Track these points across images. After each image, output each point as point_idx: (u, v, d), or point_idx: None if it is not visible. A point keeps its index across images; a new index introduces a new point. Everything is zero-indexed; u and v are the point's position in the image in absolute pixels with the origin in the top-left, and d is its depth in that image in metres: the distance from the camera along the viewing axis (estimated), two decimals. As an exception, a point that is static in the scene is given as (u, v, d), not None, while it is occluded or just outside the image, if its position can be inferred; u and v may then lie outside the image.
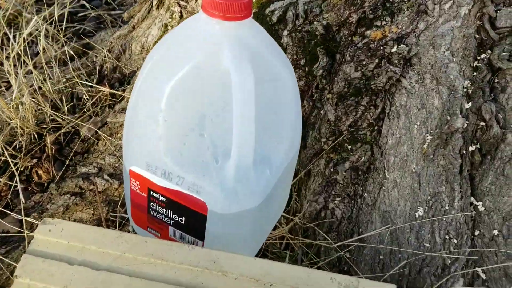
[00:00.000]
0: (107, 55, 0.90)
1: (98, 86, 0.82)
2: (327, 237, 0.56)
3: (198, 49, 0.45)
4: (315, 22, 0.65)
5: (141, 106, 0.48)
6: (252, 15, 0.46)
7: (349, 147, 0.60)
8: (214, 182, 0.45)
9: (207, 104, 0.45)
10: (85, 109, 0.81)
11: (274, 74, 0.48)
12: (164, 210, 0.50)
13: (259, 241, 0.55)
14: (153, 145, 0.47)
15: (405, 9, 0.58)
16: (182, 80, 0.45)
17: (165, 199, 0.49)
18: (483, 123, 0.55)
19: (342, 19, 0.62)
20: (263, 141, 0.48)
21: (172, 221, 0.50)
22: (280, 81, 0.49)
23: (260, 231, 0.53)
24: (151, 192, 0.50)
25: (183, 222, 0.49)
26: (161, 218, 0.51)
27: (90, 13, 1.15)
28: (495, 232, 0.53)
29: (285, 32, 0.67)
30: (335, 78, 0.63)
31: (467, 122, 0.55)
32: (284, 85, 0.50)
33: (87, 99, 0.82)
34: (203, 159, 0.46)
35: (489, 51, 0.56)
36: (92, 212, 0.64)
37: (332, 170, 0.60)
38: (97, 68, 0.90)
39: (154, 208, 0.51)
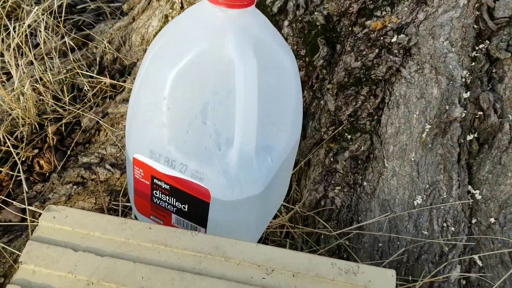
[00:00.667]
0: (107, 46, 0.90)
1: (98, 77, 0.82)
2: (326, 225, 0.57)
3: (201, 37, 0.45)
4: (315, 13, 0.65)
5: (144, 94, 0.49)
6: (255, 3, 0.46)
7: (349, 136, 0.61)
8: (217, 169, 0.46)
9: (210, 92, 0.46)
10: (86, 100, 0.81)
11: (277, 62, 0.49)
12: (167, 197, 0.51)
13: (260, 229, 0.56)
14: (157, 133, 0.47)
15: None
16: (185, 68, 0.45)
17: (168, 186, 0.50)
18: (481, 113, 0.56)
19: (342, 9, 0.62)
20: (266, 129, 0.48)
21: (175, 209, 0.51)
22: (282, 69, 0.50)
23: (262, 219, 0.54)
24: (154, 180, 0.50)
25: (186, 210, 0.50)
26: (164, 205, 0.52)
27: (89, 5, 1.15)
28: (492, 220, 0.54)
29: (286, 23, 0.68)
30: (336, 68, 0.63)
31: (465, 111, 0.56)
32: (287, 73, 0.50)
33: (88, 90, 0.82)
34: (206, 147, 0.46)
35: (487, 41, 0.57)
36: (94, 201, 0.65)
37: (332, 159, 0.61)
38: (98, 59, 0.90)
39: (157, 195, 0.51)
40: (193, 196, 0.48)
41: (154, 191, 0.51)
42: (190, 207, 0.50)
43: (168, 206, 0.51)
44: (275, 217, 0.61)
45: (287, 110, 0.51)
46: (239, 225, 0.50)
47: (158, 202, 0.52)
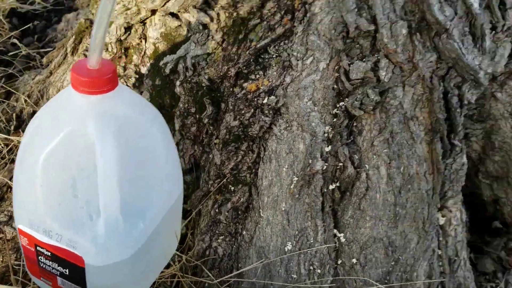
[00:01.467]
0: (26, 100, 0.94)
1: (10, 137, 0.86)
2: (209, 274, 0.63)
3: (68, 120, 0.51)
4: (202, 74, 0.71)
5: (21, 171, 0.53)
6: (119, 85, 0.52)
7: (232, 188, 0.66)
8: (87, 238, 0.51)
9: (79, 168, 0.51)
10: (0, 157, 0.85)
11: (142, 133, 0.54)
12: (51, 262, 0.55)
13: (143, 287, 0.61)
14: (34, 206, 0.52)
15: (274, 64, 0.66)
16: (55, 148, 0.50)
17: (49, 253, 0.54)
18: (341, 164, 0.62)
19: (221, 73, 0.69)
20: (136, 196, 0.54)
21: (58, 272, 0.56)
22: (150, 136, 0.55)
23: (142, 278, 0.59)
24: (38, 247, 0.55)
25: (67, 273, 0.55)
26: (49, 269, 0.56)
27: (21, 51, 1.19)
28: (354, 260, 0.61)
29: (178, 83, 0.74)
30: (220, 126, 0.69)
31: (326, 164, 0.63)
32: (155, 139, 0.56)
33: (3, 147, 0.86)
34: (79, 217, 0.51)
35: (346, 99, 0.64)
36: (1, 259, 0.69)
37: (217, 210, 0.66)
38: (16, 113, 0.94)
39: (42, 261, 0.56)
40: (70, 262, 0.53)
41: (39, 257, 0.56)
42: (70, 271, 0.54)
43: (53, 270, 0.56)
44: (168, 266, 0.66)
45: (158, 174, 0.57)
46: (118, 286, 0.55)
47: (44, 267, 0.56)
